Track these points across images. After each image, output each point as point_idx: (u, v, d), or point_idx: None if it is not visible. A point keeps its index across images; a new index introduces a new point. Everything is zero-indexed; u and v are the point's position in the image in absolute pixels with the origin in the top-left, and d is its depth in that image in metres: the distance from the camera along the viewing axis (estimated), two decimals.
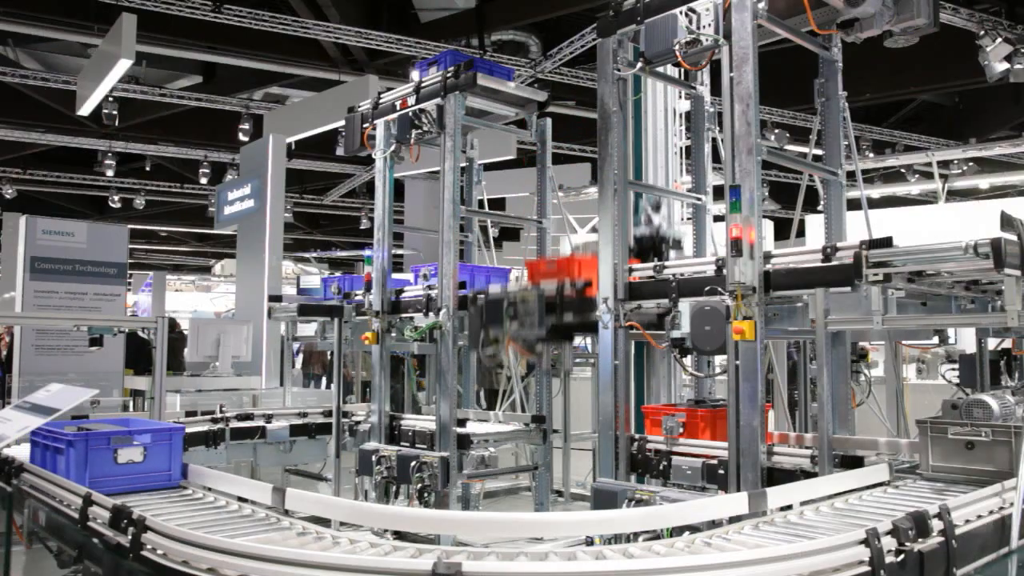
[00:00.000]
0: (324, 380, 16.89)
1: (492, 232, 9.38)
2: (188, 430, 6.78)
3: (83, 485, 3.60)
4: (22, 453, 4.78)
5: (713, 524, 3.24)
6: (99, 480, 3.77)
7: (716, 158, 6.26)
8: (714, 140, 6.28)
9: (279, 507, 3.40)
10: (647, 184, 7.51)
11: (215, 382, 9.13)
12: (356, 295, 7.58)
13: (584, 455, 7.71)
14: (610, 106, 5.12)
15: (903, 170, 15.97)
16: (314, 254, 28.37)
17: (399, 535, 3.70)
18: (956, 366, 5.55)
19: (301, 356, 17.62)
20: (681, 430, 5.03)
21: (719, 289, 4.42)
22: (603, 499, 4.30)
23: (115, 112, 12.39)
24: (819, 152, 5.30)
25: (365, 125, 7.11)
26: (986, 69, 10.11)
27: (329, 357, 13.34)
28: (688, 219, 7.46)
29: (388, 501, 6.16)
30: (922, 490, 3.65)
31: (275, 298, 8.57)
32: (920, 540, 2.80)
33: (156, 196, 19.77)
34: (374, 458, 6.03)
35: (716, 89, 5.11)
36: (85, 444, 3.84)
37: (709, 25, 4.56)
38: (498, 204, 14.29)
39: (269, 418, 7.57)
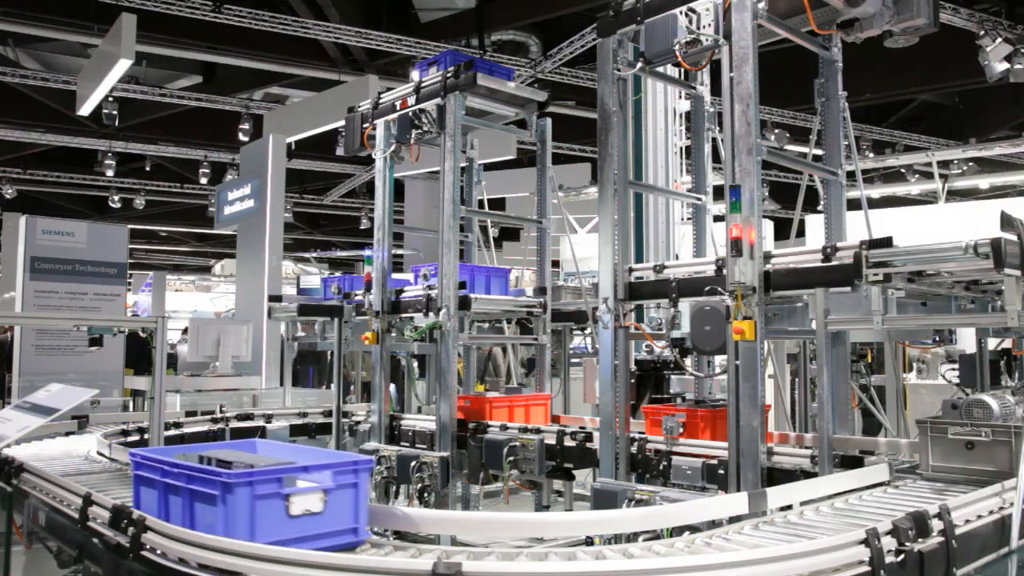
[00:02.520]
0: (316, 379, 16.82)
1: (492, 232, 9.38)
2: (188, 430, 6.79)
3: (246, 541, 2.60)
4: (22, 453, 4.79)
5: (713, 524, 3.24)
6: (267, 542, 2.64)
7: (716, 158, 6.26)
8: (714, 140, 6.28)
9: None
10: (647, 184, 7.54)
11: (215, 382, 9.13)
12: (356, 295, 7.58)
13: None
14: (610, 106, 5.12)
15: (903, 170, 15.96)
16: (314, 254, 28.36)
17: (399, 535, 3.69)
18: (956, 366, 5.56)
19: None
20: (681, 430, 5.03)
21: (719, 289, 4.42)
22: (603, 499, 4.30)
23: (115, 112, 12.38)
24: (819, 152, 5.30)
25: (365, 125, 7.11)
26: (986, 69, 10.11)
27: (330, 358, 13.33)
28: (688, 219, 7.46)
29: (388, 501, 6.17)
30: (922, 490, 3.65)
31: (275, 298, 8.57)
32: (920, 540, 2.80)
33: (156, 196, 19.76)
34: (374, 458, 6.03)
35: (716, 89, 5.11)
36: (250, 490, 2.64)
37: (709, 25, 4.56)
38: (498, 204, 14.29)
39: (269, 418, 7.58)
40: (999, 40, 9.89)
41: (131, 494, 3.70)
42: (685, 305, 4.83)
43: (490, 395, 6.89)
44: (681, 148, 7.97)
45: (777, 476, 4.37)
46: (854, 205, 5.22)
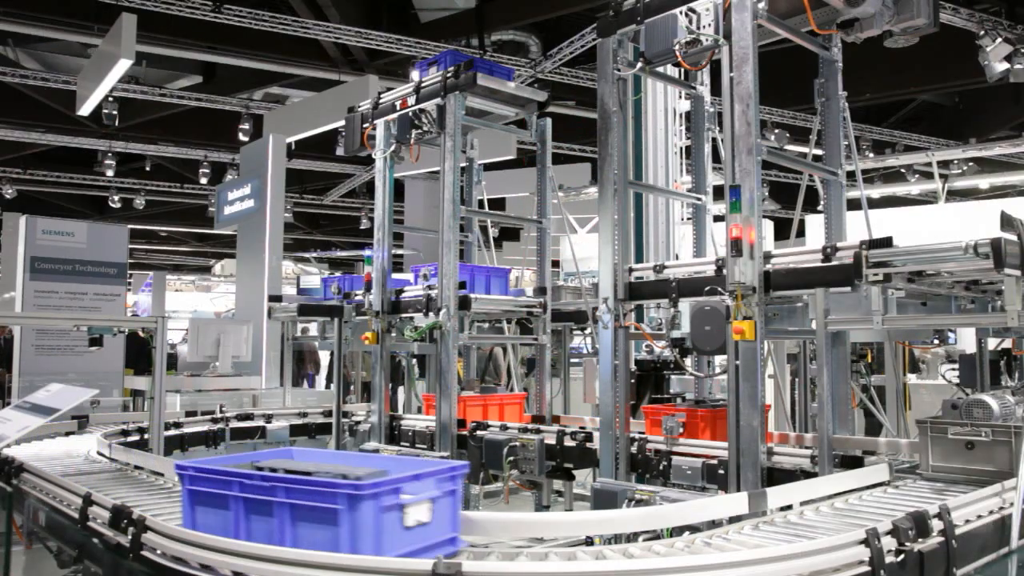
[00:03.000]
0: (316, 379, 16.83)
1: (492, 232, 9.37)
2: (188, 430, 6.79)
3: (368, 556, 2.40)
4: (22, 453, 4.79)
5: (713, 524, 3.24)
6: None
7: (716, 158, 6.26)
8: (714, 140, 6.28)
9: None
10: (647, 184, 7.54)
11: (215, 382, 9.13)
12: (356, 295, 7.59)
13: None
14: (610, 106, 5.12)
15: (903, 170, 15.96)
16: (314, 254, 28.36)
17: None
18: (956, 366, 5.55)
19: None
20: (681, 430, 5.03)
21: (719, 289, 4.42)
22: (603, 499, 4.30)
23: (115, 112, 12.38)
24: (819, 152, 5.30)
25: (365, 125, 7.11)
26: (986, 69, 10.11)
27: (330, 357, 13.33)
28: (688, 219, 7.46)
29: None
30: (922, 490, 3.64)
31: (275, 298, 8.58)
32: (920, 540, 2.80)
33: (156, 196, 19.76)
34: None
35: (716, 89, 5.11)
36: (376, 502, 2.42)
37: (709, 25, 4.57)
38: (498, 204, 14.29)
39: (269, 418, 7.58)
40: (999, 40, 9.89)
41: (129, 494, 3.72)
42: (685, 305, 4.83)
43: (465, 394, 6.97)
44: (681, 148, 7.97)
45: (777, 476, 4.38)
46: (854, 205, 5.22)
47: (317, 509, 2.44)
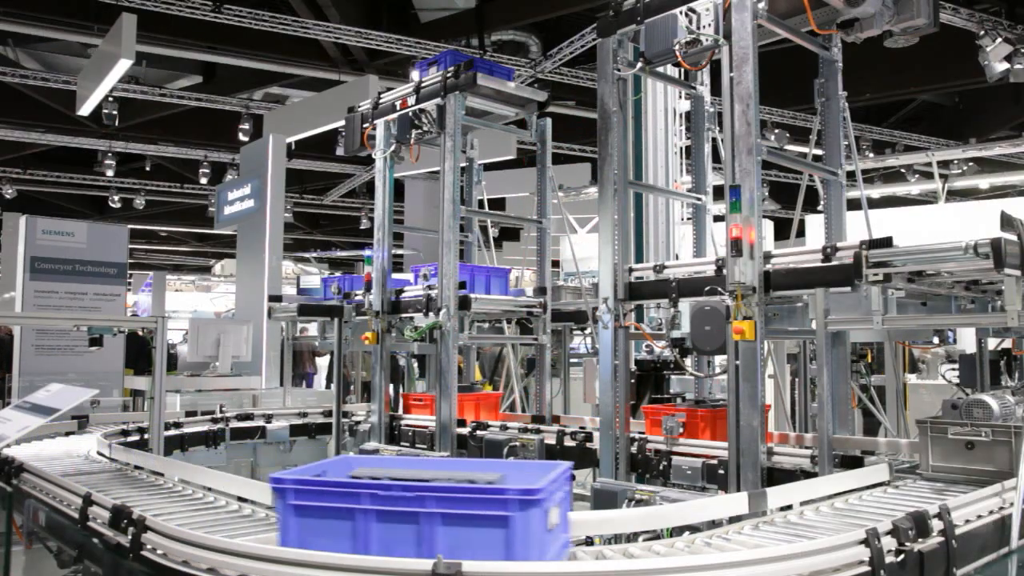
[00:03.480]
0: (315, 379, 16.83)
1: (492, 232, 9.37)
2: (188, 430, 6.79)
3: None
4: (22, 453, 4.79)
5: (713, 524, 3.24)
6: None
7: (716, 158, 6.26)
8: (714, 140, 6.28)
9: None
10: (647, 184, 7.54)
11: (215, 382, 9.14)
12: (356, 295, 7.58)
13: None
14: (610, 106, 5.12)
15: (903, 170, 15.96)
16: (314, 254, 28.36)
17: None
18: (956, 366, 5.55)
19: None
20: (681, 430, 5.03)
21: (719, 289, 4.42)
22: (603, 499, 4.30)
23: (115, 112, 12.38)
24: (819, 152, 5.30)
25: (365, 125, 7.11)
26: (986, 69, 10.11)
27: (330, 357, 13.33)
28: (688, 219, 7.45)
29: None
30: (922, 490, 3.64)
31: (275, 298, 8.57)
32: (920, 540, 2.80)
33: (156, 196, 19.76)
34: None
35: (716, 89, 5.11)
36: (541, 507, 2.40)
37: (709, 25, 4.57)
38: (498, 204, 14.28)
39: (269, 418, 7.58)
40: (999, 40, 9.89)
41: (129, 494, 3.72)
42: (685, 305, 4.83)
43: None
44: (681, 148, 7.97)
45: (777, 476, 4.38)
46: (854, 205, 5.22)
47: (481, 517, 2.37)
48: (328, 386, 14.12)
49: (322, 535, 2.49)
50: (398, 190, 12.79)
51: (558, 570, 2.47)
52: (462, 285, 6.28)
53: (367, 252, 7.49)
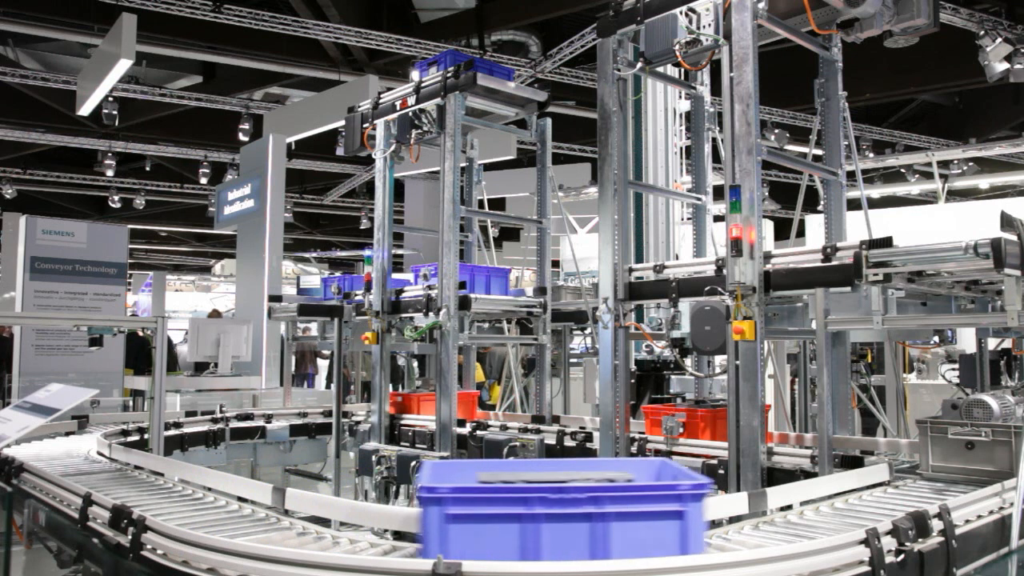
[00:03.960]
0: (315, 379, 16.82)
1: (492, 232, 9.37)
2: (188, 430, 6.79)
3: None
4: (22, 453, 4.79)
5: (713, 524, 3.24)
6: None
7: (716, 158, 6.26)
8: (714, 140, 6.27)
9: (279, 507, 3.39)
10: (647, 184, 7.53)
11: (215, 382, 9.14)
12: (356, 295, 7.58)
13: None
14: (610, 106, 5.12)
15: (903, 170, 15.95)
16: (314, 254, 28.37)
17: (399, 535, 3.69)
18: (956, 366, 5.55)
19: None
20: (681, 430, 5.03)
21: (719, 289, 4.42)
22: None
23: (115, 112, 12.39)
24: (819, 152, 5.30)
25: (365, 125, 7.11)
26: (986, 69, 10.11)
27: (330, 357, 13.33)
28: (688, 219, 7.45)
29: (388, 501, 6.16)
30: (922, 490, 3.65)
31: (275, 298, 8.57)
32: (920, 540, 2.80)
33: (156, 196, 19.76)
34: (374, 458, 6.03)
35: (716, 89, 5.11)
36: (703, 502, 2.50)
37: (709, 25, 4.56)
38: (498, 204, 14.29)
39: (269, 418, 7.58)
40: (999, 40, 9.89)
41: (129, 494, 3.72)
42: (685, 305, 4.83)
43: (420, 392, 7.18)
44: (681, 148, 7.97)
45: (777, 476, 4.38)
46: (854, 205, 5.22)
47: (658, 513, 2.42)
48: (328, 386, 14.12)
49: (486, 543, 2.43)
50: (398, 190, 12.81)
51: (558, 570, 2.47)
52: (462, 285, 6.28)
53: (367, 252, 7.49)
